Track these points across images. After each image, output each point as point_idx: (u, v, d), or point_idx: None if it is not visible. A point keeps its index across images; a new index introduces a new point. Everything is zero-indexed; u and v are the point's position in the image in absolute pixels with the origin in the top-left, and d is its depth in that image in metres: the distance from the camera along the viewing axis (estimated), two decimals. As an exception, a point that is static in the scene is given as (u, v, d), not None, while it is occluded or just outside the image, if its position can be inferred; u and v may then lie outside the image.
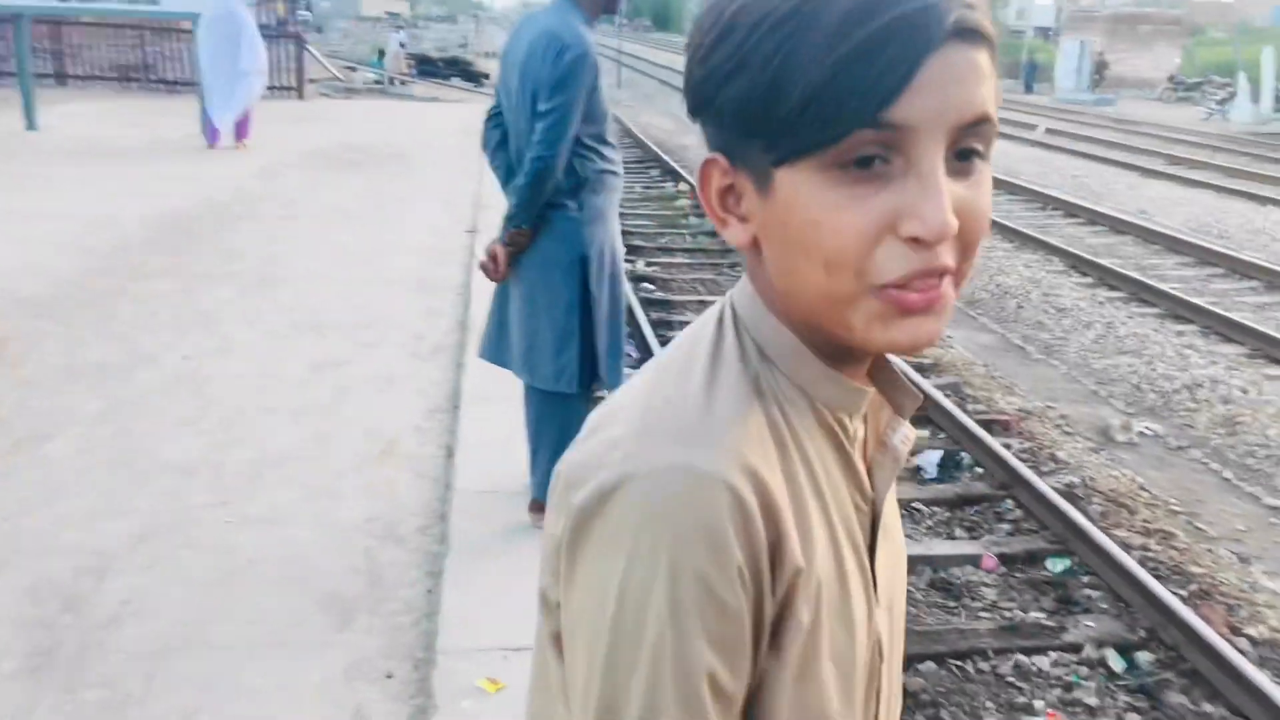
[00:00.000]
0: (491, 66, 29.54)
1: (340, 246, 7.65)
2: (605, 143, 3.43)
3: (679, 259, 9.12)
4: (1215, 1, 45.01)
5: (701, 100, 0.72)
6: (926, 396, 5.74)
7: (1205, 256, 9.87)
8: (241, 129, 12.19)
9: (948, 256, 0.67)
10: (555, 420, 3.52)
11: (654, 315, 7.15)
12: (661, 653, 0.65)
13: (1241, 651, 3.62)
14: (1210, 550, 4.52)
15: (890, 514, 0.85)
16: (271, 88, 18.42)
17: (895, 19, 0.63)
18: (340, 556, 3.47)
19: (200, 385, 4.90)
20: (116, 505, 3.74)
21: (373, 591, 3.27)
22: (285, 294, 6.40)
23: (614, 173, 3.48)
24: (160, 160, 11.22)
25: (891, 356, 0.81)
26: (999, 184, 13.74)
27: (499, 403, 4.64)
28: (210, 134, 12.12)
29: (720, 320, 0.78)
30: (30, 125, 12.87)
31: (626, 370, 3.58)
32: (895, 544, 0.86)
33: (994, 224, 10.74)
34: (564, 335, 3.42)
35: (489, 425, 4.47)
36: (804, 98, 0.64)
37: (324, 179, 10.49)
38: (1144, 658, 3.64)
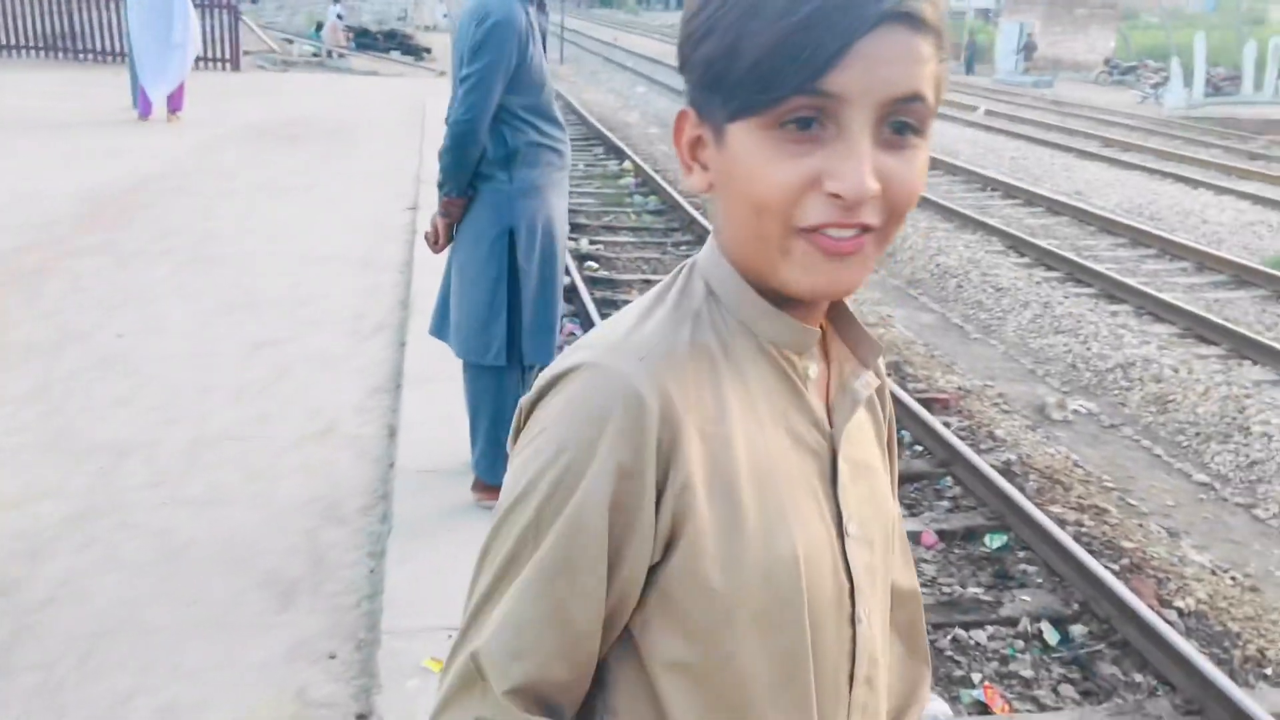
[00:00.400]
0: (431, 40, 29.14)
1: (278, 223, 7.52)
2: (543, 116, 3.42)
3: (623, 237, 9.10)
4: (1149, -13, 45.72)
5: (682, 59, 0.82)
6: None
7: (1139, 238, 10.07)
8: (174, 101, 11.90)
9: (870, 215, 0.75)
10: (489, 395, 3.53)
11: (599, 294, 7.13)
12: (528, 526, 0.79)
13: (1170, 623, 3.73)
14: (1141, 525, 4.63)
15: (867, 457, 0.92)
16: (205, 60, 18.02)
17: None
18: (281, 537, 3.42)
19: (134, 364, 4.79)
20: (49, 487, 3.65)
21: (314, 572, 3.24)
22: (222, 271, 6.28)
23: (552, 148, 3.45)
24: (90, 133, 10.92)
25: (852, 309, 0.90)
26: (939, 164, 13.88)
27: (442, 381, 4.60)
28: (142, 106, 11.82)
29: (682, 268, 0.88)
30: (-48, 95, 12.45)
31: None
32: (875, 486, 0.92)
33: (934, 205, 10.86)
34: (491, 308, 3.42)
35: (431, 404, 4.43)
36: (753, 61, 0.73)
37: (261, 153, 10.29)
38: (1077, 630, 3.73)
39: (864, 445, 0.92)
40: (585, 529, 0.77)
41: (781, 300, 0.82)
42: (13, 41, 17.63)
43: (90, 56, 17.82)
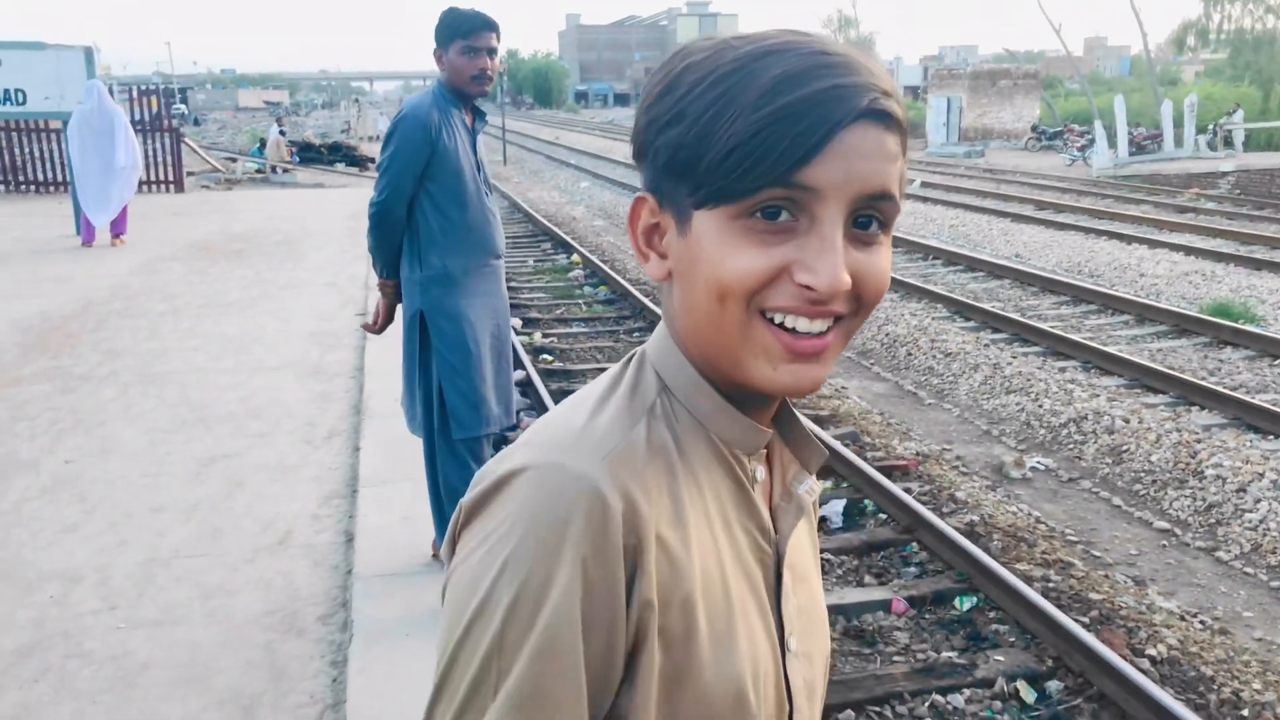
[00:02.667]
0: (376, 150, 29.45)
1: (226, 338, 7.48)
2: (461, 205, 3.57)
3: (576, 329, 9.14)
4: (1066, 56, 47.53)
5: (641, 144, 0.79)
6: (828, 447, 5.81)
7: (1080, 295, 10.29)
8: (118, 225, 11.88)
9: (839, 305, 0.74)
10: (429, 466, 3.74)
11: (553, 385, 7.14)
12: (490, 651, 0.70)
13: (1144, 672, 3.72)
14: (1107, 576, 4.64)
15: (805, 566, 0.89)
16: (149, 182, 18.08)
17: (817, 92, 0.71)
18: (239, 653, 3.33)
19: (83, 489, 4.69)
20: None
21: (275, 686, 3.15)
22: (170, 390, 6.21)
23: (466, 237, 3.59)
24: (34, 261, 10.86)
25: (797, 412, 0.89)
26: (881, 237, 14.13)
27: (399, 483, 4.56)
28: (85, 233, 11.79)
29: (630, 358, 0.84)
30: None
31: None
32: (812, 598, 0.90)
33: (879, 276, 11.02)
34: (408, 385, 3.75)
35: (390, 506, 4.38)
36: (727, 149, 0.71)
37: (207, 271, 10.27)
38: (1054, 686, 3.71)
39: (803, 553, 0.89)
40: (560, 653, 0.70)
41: (735, 397, 0.80)
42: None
43: (32, 188, 17.80)
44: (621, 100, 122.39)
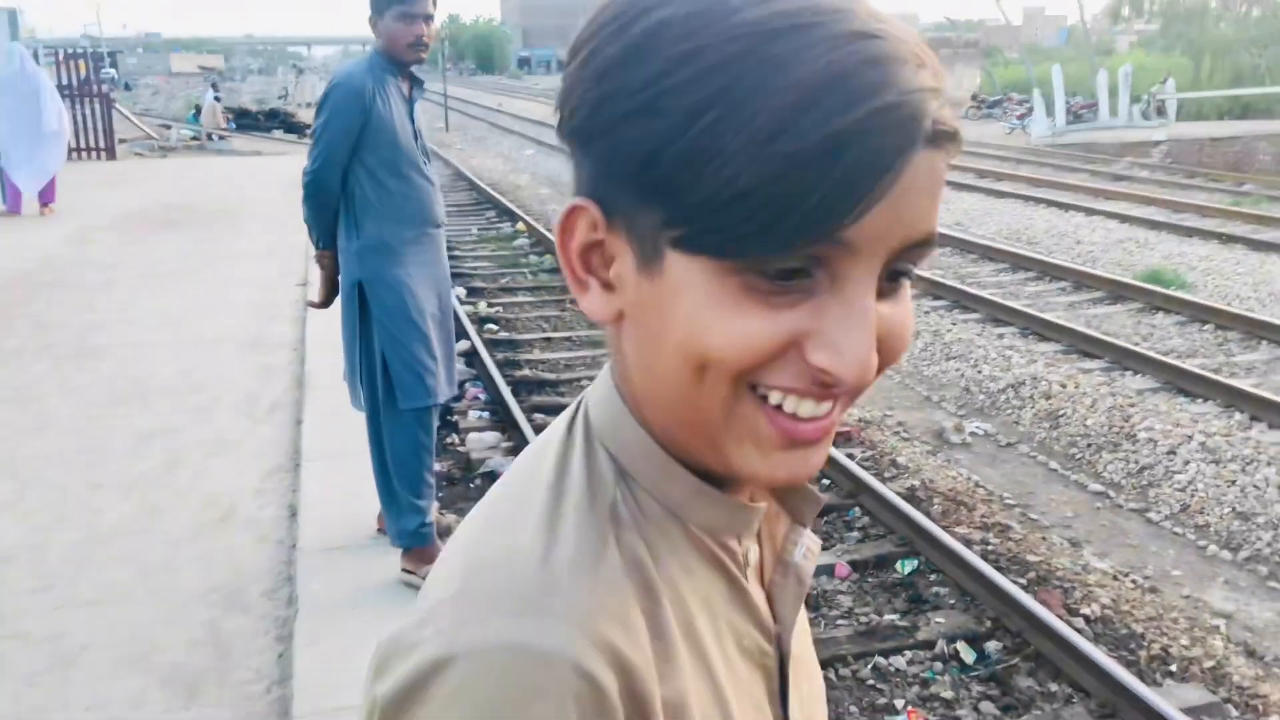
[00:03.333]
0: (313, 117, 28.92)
1: (164, 310, 7.34)
2: (396, 174, 3.55)
3: (521, 298, 9.10)
4: (1006, 26, 48.01)
5: (583, 124, 0.56)
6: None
7: (1018, 262, 10.45)
8: (46, 193, 11.57)
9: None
10: (373, 440, 3.68)
11: (499, 355, 7.11)
12: None
13: (1079, 631, 3.82)
14: (1044, 538, 4.76)
15: (801, 645, 0.71)
16: (79, 150, 17.60)
17: (869, 115, 0.49)
18: (182, 630, 3.30)
19: (16, 467, 4.60)
20: (-72, 602, 3.47)
21: (220, 663, 3.13)
22: (106, 363, 6.09)
23: (404, 205, 3.55)
24: (-41, 232, 10.56)
25: None
26: (824, 206, 14.23)
27: (343, 457, 4.52)
28: (12, 200, 11.47)
29: (570, 428, 0.62)
30: None
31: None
32: (811, 679, 0.72)
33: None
34: (349, 358, 3.69)
35: (333, 481, 4.35)
36: (739, 189, 0.49)
37: (143, 241, 10.06)
38: (992, 647, 3.80)
39: (802, 635, 0.71)
40: None
41: (708, 473, 0.60)
42: None
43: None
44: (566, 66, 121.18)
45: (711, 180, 0.50)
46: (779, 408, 0.54)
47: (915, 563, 4.40)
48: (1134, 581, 4.39)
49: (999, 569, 4.27)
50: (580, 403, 0.64)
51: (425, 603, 0.55)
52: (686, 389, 0.55)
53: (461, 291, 8.93)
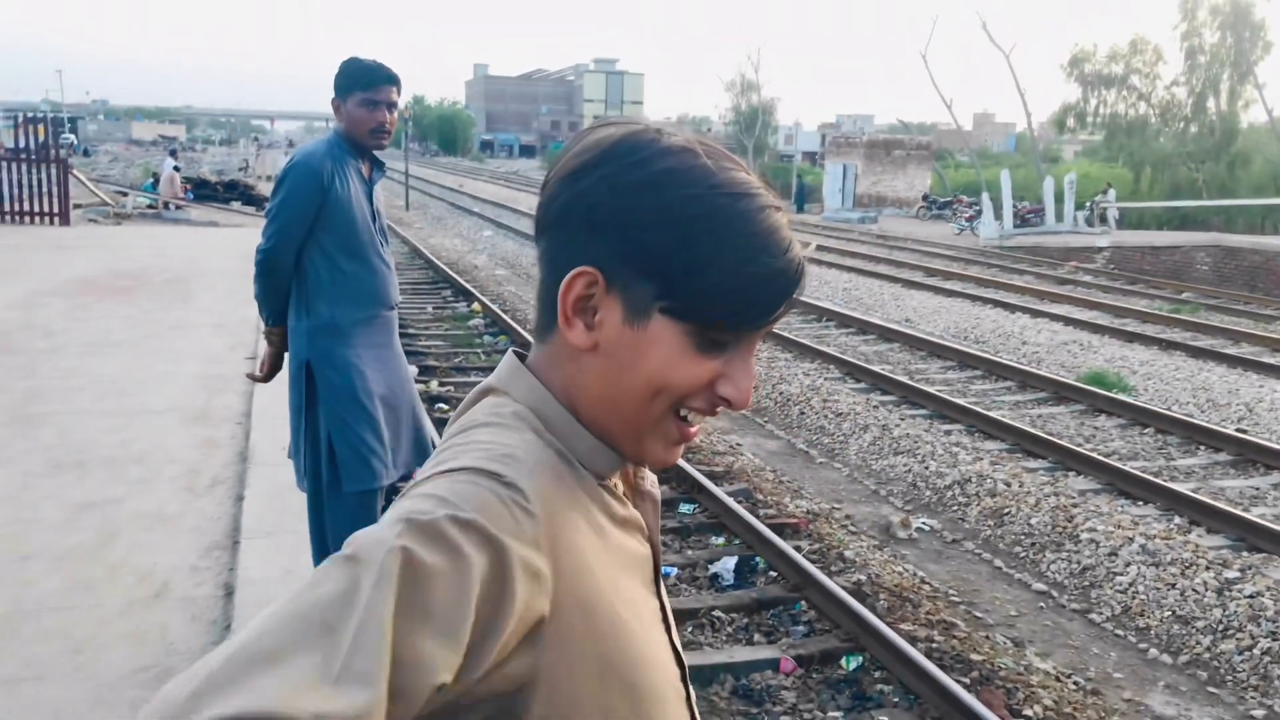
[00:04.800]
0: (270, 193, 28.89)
1: (109, 379, 7.22)
2: (354, 256, 3.54)
3: (474, 377, 9.07)
4: (957, 130, 49.51)
5: (598, 219, 0.84)
6: (722, 505, 5.87)
7: (965, 360, 10.63)
8: None
9: None
10: (313, 521, 3.62)
11: (447, 436, 7.04)
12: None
13: (1021, 732, 3.81)
14: (988, 637, 4.76)
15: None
16: (32, 214, 17.43)
17: (795, 259, 0.85)
18: (106, 711, 3.18)
19: (-56, 534, 4.45)
20: None
21: (144, 749, 3.01)
22: (45, 431, 5.96)
23: (359, 287, 3.55)
24: (-99, 292, 10.35)
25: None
26: (777, 298, 14.41)
27: (283, 534, 4.44)
28: None
29: (495, 410, 0.89)
30: None
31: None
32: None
33: (775, 335, 11.24)
34: (294, 437, 3.64)
35: (273, 558, 4.25)
36: (730, 288, 0.83)
37: (91, 308, 9.93)
38: (935, 747, 3.77)
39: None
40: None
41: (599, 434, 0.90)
42: None
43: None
44: (527, 151, 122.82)
45: (702, 282, 0.82)
46: (684, 419, 0.88)
47: (860, 659, 4.38)
48: (1076, 683, 4.40)
49: (943, 667, 4.26)
50: (491, 398, 0.91)
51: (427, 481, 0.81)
52: (639, 403, 0.86)
53: (414, 369, 8.88)
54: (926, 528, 6.23)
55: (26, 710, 3.18)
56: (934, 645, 4.59)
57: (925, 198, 36.57)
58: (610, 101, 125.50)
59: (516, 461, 0.82)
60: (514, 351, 0.94)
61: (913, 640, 4.51)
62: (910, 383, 9.19)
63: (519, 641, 0.77)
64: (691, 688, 0.97)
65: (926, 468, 7.16)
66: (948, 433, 7.87)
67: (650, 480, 0.99)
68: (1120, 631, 4.98)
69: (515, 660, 0.77)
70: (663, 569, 0.98)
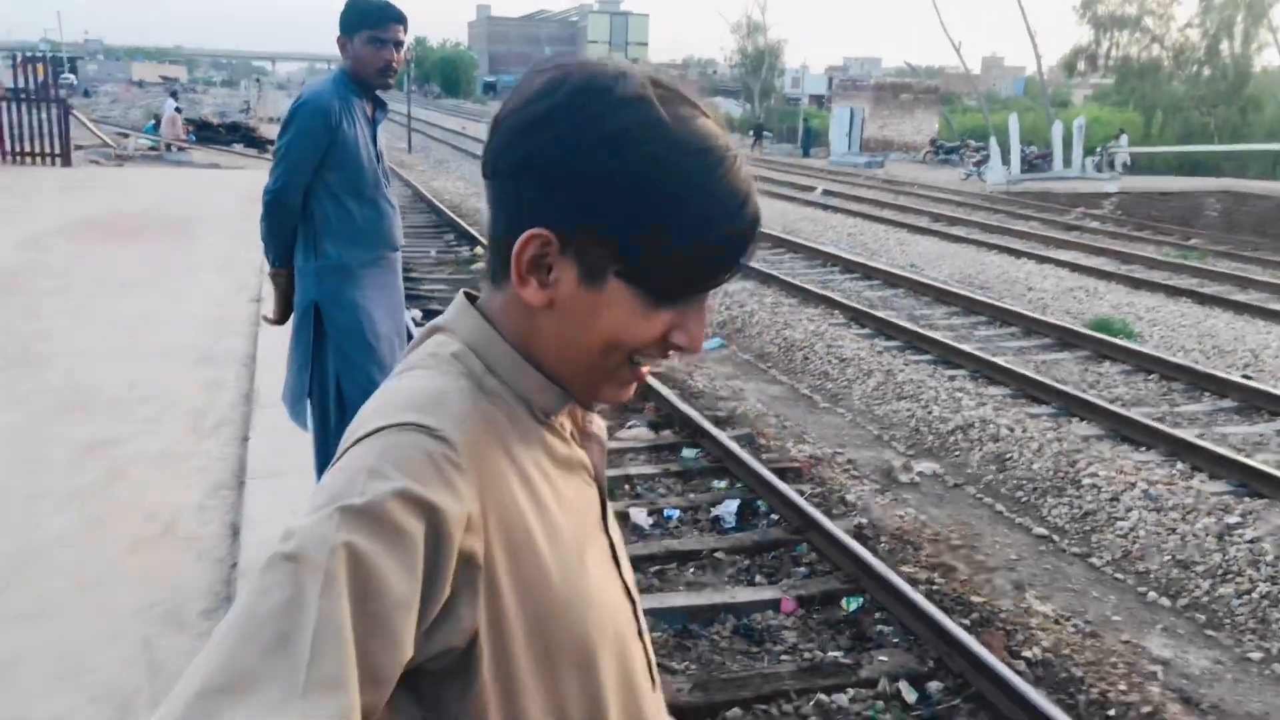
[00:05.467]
0: (275, 131, 28.69)
1: (114, 319, 7.22)
2: (358, 196, 3.52)
3: (476, 322, 9.05)
4: (965, 74, 48.92)
5: (551, 180, 0.83)
6: (724, 448, 5.90)
7: (970, 306, 10.61)
8: None
9: None
10: (320, 461, 3.67)
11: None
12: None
13: (1020, 673, 3.86)
14: (989, 580, 4.80)
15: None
16: (33, 154, 17.33)
17: (752, 217, 0.85)
18: (116, 647, 3.23)
19: (-48, 473, 4.49)
20: None
21: (153, 682, 3.06)
22: (52, 372, 5.98)
23: (365, 228, 3.54)
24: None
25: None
26: (782, 242, 14.36)
27: (288, 475, 4.47)
28: None
29: (437, 349, 0.91)
30: None
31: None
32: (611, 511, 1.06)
33: (779, 281, 11.21)
34: (298, 379, 3.63)
35: (277, 499, 4.29)
36: (683, 256, 0.83)
37: (95, 249, 9.90)
38: (934, 687, 3.82)
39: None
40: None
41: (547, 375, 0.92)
42: None
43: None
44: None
45: (660, 247, 0.83)
46: (637, 365, 0.90)
47: (860, 600, 4.42)
48: (1075, 626, 4.44)
49: (943, 609, 4.30)
50: (438, 337, 0.93)
51: (355, 430, 0.84)
52: (595, 357, 0.88)
53: (417, 314, 8.88)
54: (928, 472, 6.26)
55: (40, 645, 3.23)
56: (934, 587, 4.63)
57: (932, 142, 36.25)
58: (614, 42, 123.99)
59: (444, 408, 0.83)
60: (465, 292, 0.96)
61: (913, 582, 4.55)
62: (915, 328, 9.17)
63: (458, 590, 0.80)
64: (644, 621, 1.00)
65: (930, 413, 7.18)
66: (951, 378, 7.87)
67: (597, 423, 1.01)
68: (1120, 575, 5.02)
69: (458, 610, 0.80)
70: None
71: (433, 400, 0.84)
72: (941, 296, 11.08)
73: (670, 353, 0.89)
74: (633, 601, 0.99)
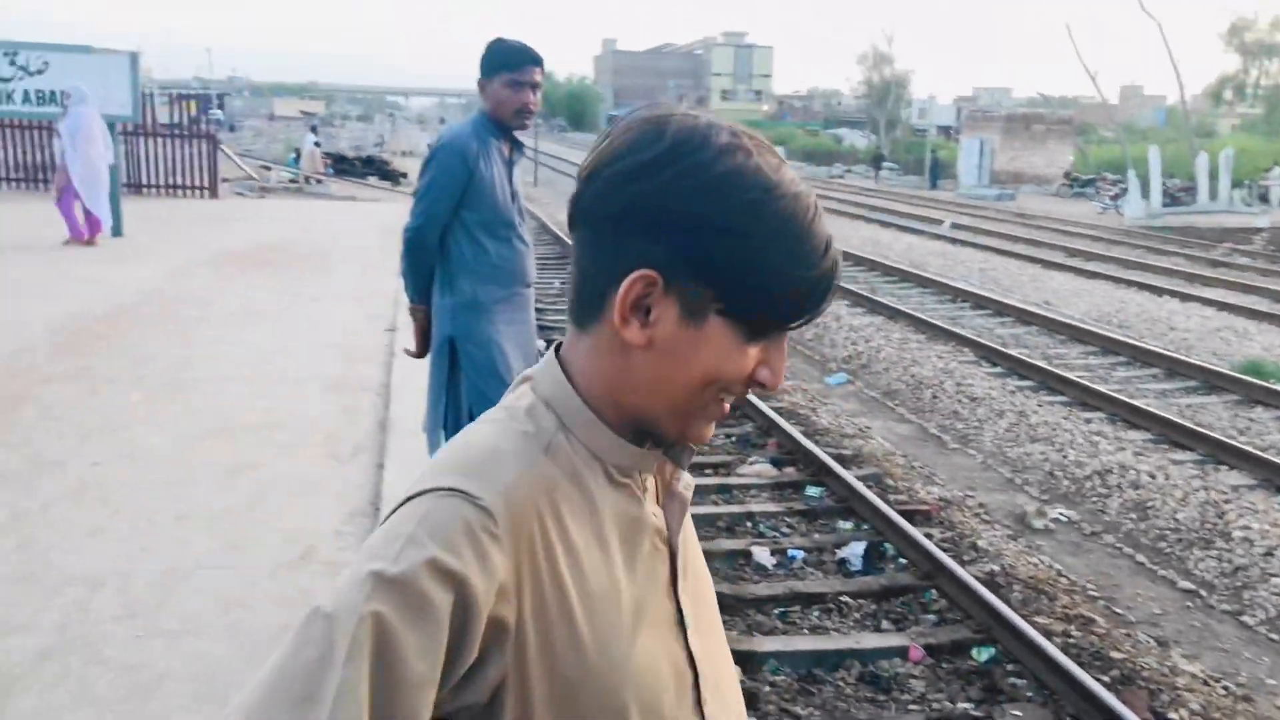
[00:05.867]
0: (408, 165, 29.60)
1: (254, 347, 7.52)
2: (493, 235, 3.59)
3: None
4: (1101, 104, 47.47)
5: (659, 225, 0.87)
6: (850, 488, 5.79)
7: (1108, 345, 10.23)
8: (98, 224, 12.02)
9: None
10: None
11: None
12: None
13: (1166, 736, 3.66)
14: (1129, 635, 4.59)
15: (692, 552, 1.03)
16: (183, 187, 18.26)
17: (833, 260, 0.90)
18: (253, 669, 3.33)
19: (108, 493, 4.72)
20: (21, 620, 3.55)
21: (291, 706, 3.14)
22: (196, 397, 6.25)
23: (499, 265, 3.61)
24: (70, 261, 10.98)
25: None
26: (910, 276, 14.12)
27: (421, 504, 4.55)
28: (83, 229, 11.84)
29: (516, 401, 0.95)
30: (-70, 226, 12.51)
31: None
32: (700, 575, 1.05)
33: (907, 316, 11.01)
34: (434, 413, 3.73)
35: (411, 527, 4.37)
36: (776, 294, 0.88)
37: (238, 279, 10.35)
38: (1072, 746, 3.66)
39: (689, 541, 1.03)
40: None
41: (632, 432, 0.94)
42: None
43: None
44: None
45: (760, 285, 0.87)
46: (722, 401, 0.93)
47: (993, 651, 4.27)
48: (1226, 688, 4.20)
49: (1081, 664, 4.13)
50: (522, 381, 0.98)
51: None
52: (690, 393, 0.90)
53: (542, 344, 9.01)
54: (1064, 519, 6.03)
55: (184, 662, 3.35)
56: (1071, 641, 4.44)
57: (1066, 175, 35.25)
58: (738, 75, 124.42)
59: (495, 470, 0.87)
60: (555, 345, 0.98)
61: (1048, 634, 4.38)
62: (1049, 368, 8.89)
63: (486, 651, 0.84)
64: (708, 691, 0.98)
65: (1065, 456, 6.92)
66: (1088, 421, 7.59)
67: (684, 481, 1.02)
68: (1276, 636, 4.73)
69: (485, 670, 0.85)
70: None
71: (486, 461, 0.88)
72: (1077, 335, 10.72)
73: (753, 389, 0.93)
74: (695, 672, 0.98)
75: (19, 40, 12.72)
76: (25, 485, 4.77)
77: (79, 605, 3.68)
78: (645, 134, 0.88)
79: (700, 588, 1.03)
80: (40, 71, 12.49)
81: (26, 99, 12.13)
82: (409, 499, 0.87)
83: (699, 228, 0.86)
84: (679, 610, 0.98)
